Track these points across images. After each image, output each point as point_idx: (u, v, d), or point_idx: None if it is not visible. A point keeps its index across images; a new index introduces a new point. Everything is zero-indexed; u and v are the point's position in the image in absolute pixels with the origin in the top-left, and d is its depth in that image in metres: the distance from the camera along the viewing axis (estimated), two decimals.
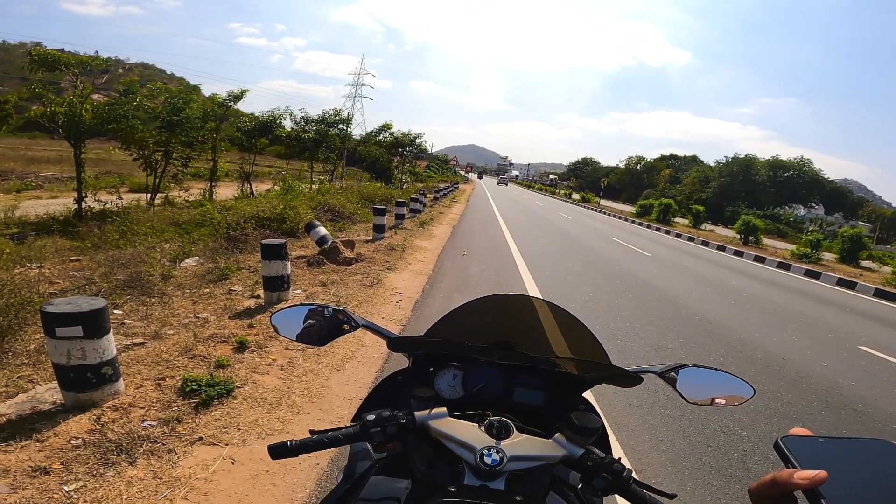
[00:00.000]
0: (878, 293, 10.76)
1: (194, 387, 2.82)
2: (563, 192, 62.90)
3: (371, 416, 0.83)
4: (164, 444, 2.36)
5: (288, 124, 22.33)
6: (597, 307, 6.19)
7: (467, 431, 0.82)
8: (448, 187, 29.66)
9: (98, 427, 2.41)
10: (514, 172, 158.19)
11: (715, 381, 1.00)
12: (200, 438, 2.45)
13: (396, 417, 0.83)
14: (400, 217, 11.42)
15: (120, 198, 10.75)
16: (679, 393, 0.98)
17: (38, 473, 2.06)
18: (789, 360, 4.92)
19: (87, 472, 2.12)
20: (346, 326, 1.08)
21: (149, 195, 12.05)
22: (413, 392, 0.88)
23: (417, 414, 0.84)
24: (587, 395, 3.45)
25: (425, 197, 17.07)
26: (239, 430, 2.57)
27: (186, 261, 6.02)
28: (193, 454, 2.33)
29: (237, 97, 15.31)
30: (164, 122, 11.85)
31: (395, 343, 1.05)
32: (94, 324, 2.48)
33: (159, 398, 2.75)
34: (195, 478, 2.17)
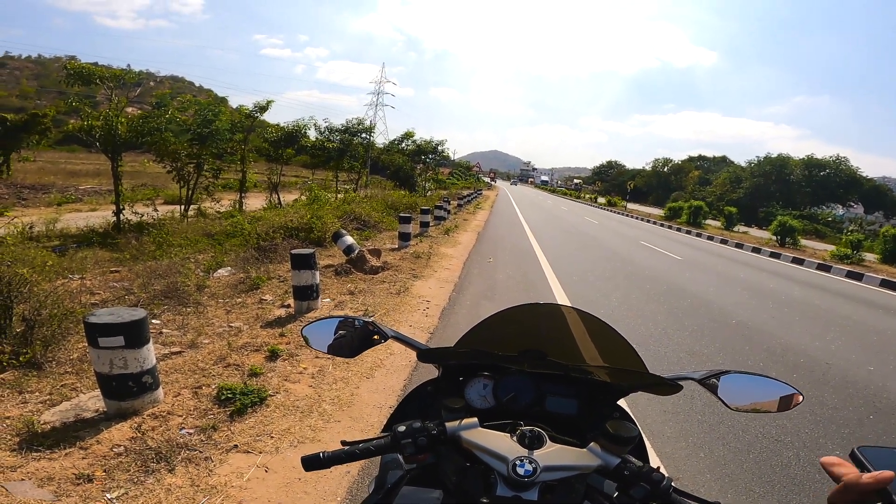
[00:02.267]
0: None
1: (229, 395, 2.88)
2: (588, 196, 62.12)
3: (402, 428, 0.82)
4: (201, 452, 2.40)
5: (312, 134, 22.68)
6: (627, 313, 6.06)
7: (499, 442, 0.81)
8: (472, 194, 29.63)
9: (139, 435, 2.47)
10: (544, 177, 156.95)
11: (759, 387, 0.96)
12: (235, 446, 2.49)
13: (427, 429, 0.82)
14: (425, 225, 11.45)
15: (155, 210, 11.13)
16: (721, 399, 0.95)
17: (81, 481, 2.12)
18: (834, 364, 4.71)
19: (128, 479, 2.17)
20: (375, 338, 1.08)
21: (182, 207, 12.41)
22: (443, 403, 0.87)
23: (448, 425, 0.83)
24: (623, 403, 3.37)
25: (449, 204, 17.08)
26: (272, 437, 2.61)
27: (219, 271, 6.17)
28: (229, 462, 2.37)
29: (263, 108, 15.60)
30: (196, 135, 12.19)
31: (424, 354, 1.04)
32: (135, 334, 2.54)
33: (196, 406, 2.82)
34: (230, 486, 2.20)
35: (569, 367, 0.99)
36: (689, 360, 4.47)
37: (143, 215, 10.54)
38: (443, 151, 31.78)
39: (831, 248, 17.43)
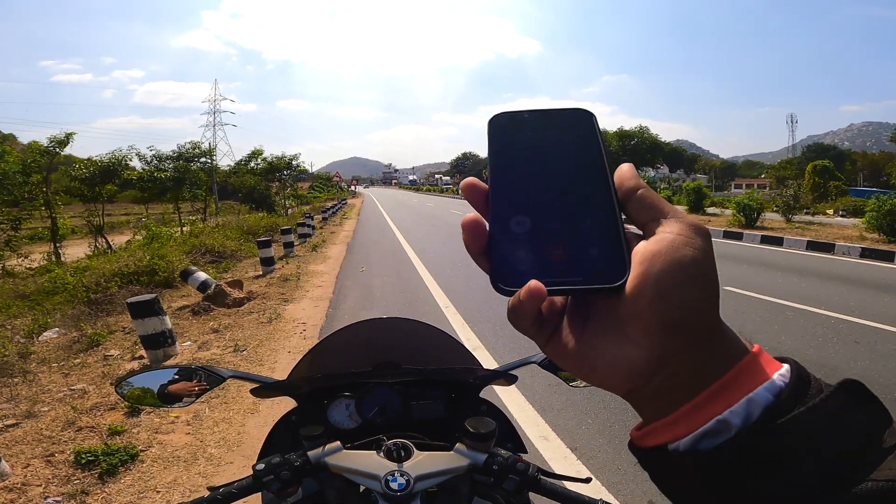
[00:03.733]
0: (726, 234, 12.51)
1: (90, 458, 2.54)
2: (452, 189, 64.57)
3: (261, 466, 0.78)
4: None
5: (138, 165, 20.28)
6: (502, 300, 6.44)
7: (366, 461, 0.79)
8: (336, 205, 28.95)
9: None
10: (412, 177, 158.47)
11: None
12: None
13: (289, 461, 0.79)
14: (289, 245, 10.86)
15: None
16: (563, 379, 1.04)
17: None
18: None
19: None
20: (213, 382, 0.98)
21: None
22: (301, 432, 0.84)
23: (311, 454, 0.80)
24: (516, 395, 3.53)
25: (313, 219, 16.47)
26: (158, 492, 2.35)
27: (45, 334, 5.21)
28: None
29: (62, 142, 13.63)
30: None
31: (259, 390, 0.99)
32: None
33: (54, 474, 2.48)
34: None
35: (423, 371, 1.02)
36: None
37: None
38: (298, 165, 30.43)
39: None
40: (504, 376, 1.01)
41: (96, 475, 2.46)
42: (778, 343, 4.32)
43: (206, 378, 0.94)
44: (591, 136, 0.31)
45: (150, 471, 2.52)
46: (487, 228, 0.29)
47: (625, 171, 0.29)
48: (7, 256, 10.94)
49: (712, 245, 0.27)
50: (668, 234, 0.26)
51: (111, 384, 3.63)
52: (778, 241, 11.02)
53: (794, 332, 4.66)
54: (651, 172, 53.56)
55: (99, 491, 2.35)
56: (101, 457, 2.54)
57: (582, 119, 0.31)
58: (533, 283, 0.26)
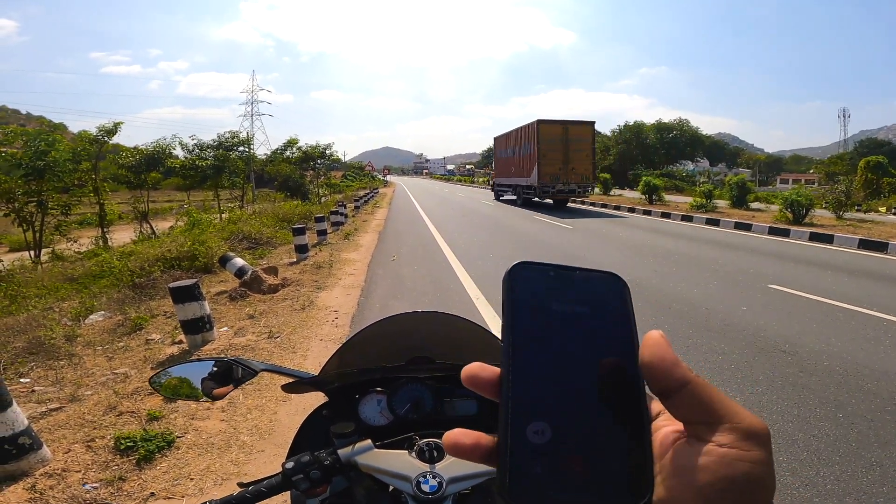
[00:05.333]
0: (772, 231, 11.96)
1: (129, 444, 2.61)
2: (481, 179, 64.29)
3: (290, 464, 0.76)
4: None
5: (180, 153, 21.09)
6: None
7: (397, 461, 0.77)
8: (368, 193, 29.23)
9: (37, 495, 2.24)
10: (450, 167, 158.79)
11: None
12: (153, 494, 2.29)
13: (319, 460, 0.77)
14: (322, 233, 11.04)
15: (0, 260, 9.51)
16: None
17: None
18: (713, 309, 5.25)
19: None
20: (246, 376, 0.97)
21: (32, 252, 10.78)
22: (332, 429, 0.82)
23: (341, 452, 0.78)
24: None
25: (345, 207, 16.67)
26: (192, 479, 2.40)
27: (91, 317, 5.44)
28: None
29: (110, 131, 14.13)
30: (30, 169, 10.65)
31: (291, 387, 0.96)
32: None
33: (94, 459, 2.54)
34: None
35: (458, 365, 0.98)
36: None
37: None
38: (332, 155, 30.92)
39: (690, 199, 19.80)
40: None
41: (134, 461, 2.53)
42: (827, 345, 4.08)
43: (241, 371, 0.93)
44: (621, 312, 0.27)
45: (185, 458, 2.58)
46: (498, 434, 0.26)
47: (664, 355, 0.26)
48: (57, 241, 11.49)
49: (771, 450, 0.25)
50: (719, 447, 0.24)
51: (151, 368, 3.75)
52: (828, 239, 10.46)
53: (844, 334, 4.40)
54: (690, 166, 51.97)
55: (136, 477, 2.41)
56: (139, 443, 2.60)
57: (612, 285, 0.28)
58: None
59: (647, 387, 0.26)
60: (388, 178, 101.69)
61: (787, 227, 11.93)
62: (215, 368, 0.93)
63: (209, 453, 2.62)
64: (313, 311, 5.43)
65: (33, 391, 3.39)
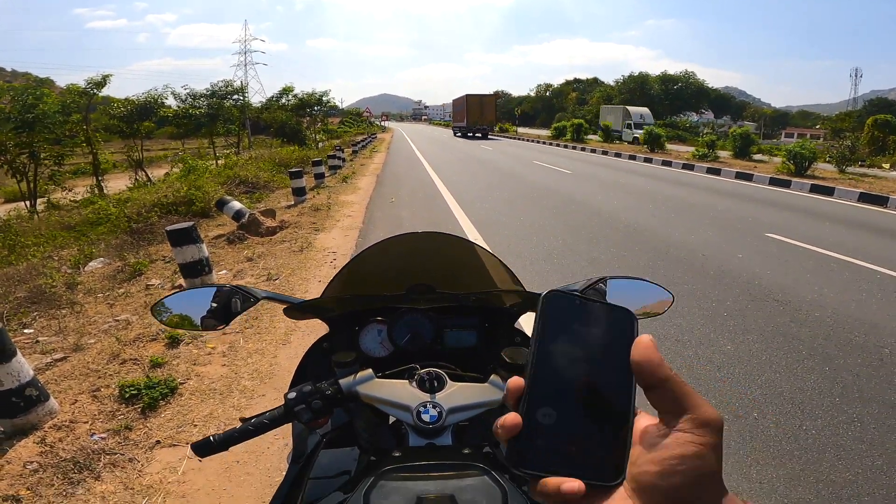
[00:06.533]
0: (773, 181, 11.83)
1: (133, 392, 2.64)
2: None
3: (292, 395, 0.75)
4: (122, 454, 2.23)
5: (173, 103, 21.16)
6: (530, 230, 6.38)
7: (398, 390, 0.77)
8: (366, 138, 28.75)
9: (47, 448, 2.25)
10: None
11: (638, 291, 0.98)
12: (158, 442, 2.33)
13: (320, 390, 0.76)
14: (320, 176, 10.95)
15: None
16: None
17: (10, 503, 1.93)
18: (709, 255, 5.28)
19: (56, 493, 2.00)
20: (246, 302, 0.94)
21: (27, 202, 10.80)
22: (333, 359, 0.82)
23: (342, 382, 0.77)
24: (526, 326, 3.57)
25: (343, 152, 16.41)
26: (195, 426, 2.45)
27: (91, 264, 5.46)
28: (157, 459, 2.22)
29: (99, 84, 14.14)
30: (20, 122, 10.79)
31: (291, 310, 0.94)
32: None
33: (100, 409, 2.57)
34: (167, 482, 2.07)
35: (458, 296, 0.96)
36: (590, 268, 4.82)
37: None
38: (328, 101, 30.29)
39: (692, 149, 19.47)
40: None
41: (139, 409, 2.56)
42: (819, 296, 4.12)
43: (241, 299, 0.91)
44: (628, 338, 0.34)
45: (188, 404, 2.63)
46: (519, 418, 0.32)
47: (651, 356, 0.32)
48: (52, 190, 11.50)
49: (721, 437, 0.31)
50: (679, 432, 0.30)
51: (150, 307, 3.80)
52: (828, 191, 10.37)
53: (837, 285, 4.43)
54: (694, 117, 51.10)
55: (141, 426, 2.45)
56: (143, 390, 2.63)
57: (625, 319, 0.35)
58: (577, 484, 0.30)
59: (635, 382, 0.33)
60: (387, 124, 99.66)
61: (788, 178, 11.81)
62: (217, 296, 0.92)
63: (211, 399, 2.67)
64: (311, 252, 5.44)
65: (37, 342, 3.42)
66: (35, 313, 3.95)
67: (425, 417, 0.72)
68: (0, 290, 4.43)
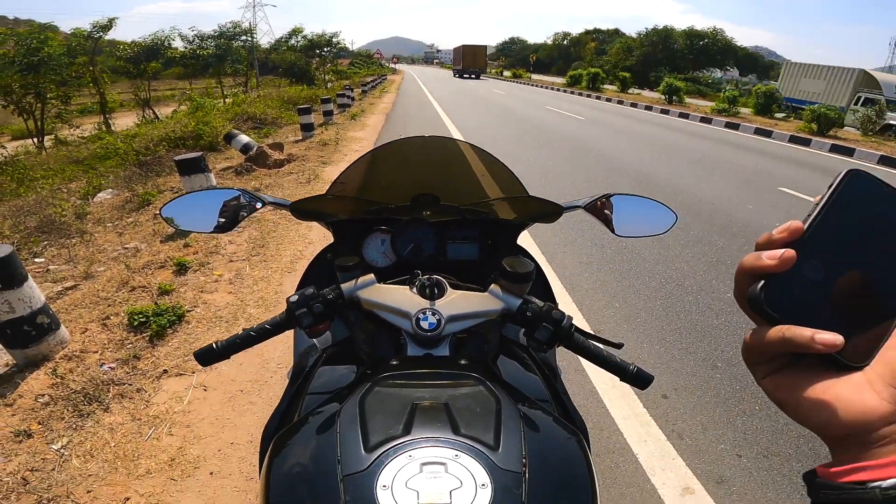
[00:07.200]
0: (793, 139, 11.39)
1: (142, 319, 2.66)
2: (494, 70, 61.08)
3: (294, 298, 0.74)
4: (130, 385, 2.26)
5: (180, 45, 20.95)
6: (538, 172, 6.31)
7: (399, 296, 0.76)
8: (376, 79, 28.07)
9: (58, 380, 2.27)
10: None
11: (641, 209, 0.97)
12: (165, 371, 2.36)
13: (322, 294, 0.75)
14: (328, 113, 10.82)
15: (2, 146, 9.55)
16: (610, 227, 0.95)
17: (21, 437, 1.96)
18: (718, 205, 5.20)
19: (67, 426, 2.02)
20: (252, 205, 0.94)
21: (35, 139, 10.87)
22: (335, 263, 0.80)
23: (344, 286, 0.76)
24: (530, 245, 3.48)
25: (352, 91, 16.06)
26: None
27: (100, 195, 5.50)
28: (164, 388, 2.25)
29: (105, 27, 14.04)
30: (24, 66, 10.84)
31: (296, 209, 0.93)
32: (7, 273, 2.22)
33: (110, 338, 2.60)
34: (173, 411, 2.11)
35: (462, 209, 0.95)
36: None
37: None
38: (338, 43, 29.46)
39: (712, 104, 18.76)
40: (550, 206, 0.93)
41: (147, 338, 2.58)
42: None
43: (248, 201, 0.91)
44: None
45: (195, 332, 2.66)
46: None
47: None
48: (59, 128, 11.58)
49: None
50: None
51: (160, 241, 3.85)
52: (848, 152, 10.00)
53: None
54: (718, 73, 48.97)
55: (149, 355, 2.47)
56: (151, 318, 2.65)
57: None
58: (837, 339, 0.29)
59: None
60: (398, 66, 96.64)
61: (809, 136, 11.39)
62: (224, 199, 0.91)
63: (218, 327, 2.71)
64: (319, 184, 5.44)
65: (48, 270, 3.47)
66: (45, 242, 4.00)
67: (424, 324, 0.72)
68: (10, 221, 4.49)
